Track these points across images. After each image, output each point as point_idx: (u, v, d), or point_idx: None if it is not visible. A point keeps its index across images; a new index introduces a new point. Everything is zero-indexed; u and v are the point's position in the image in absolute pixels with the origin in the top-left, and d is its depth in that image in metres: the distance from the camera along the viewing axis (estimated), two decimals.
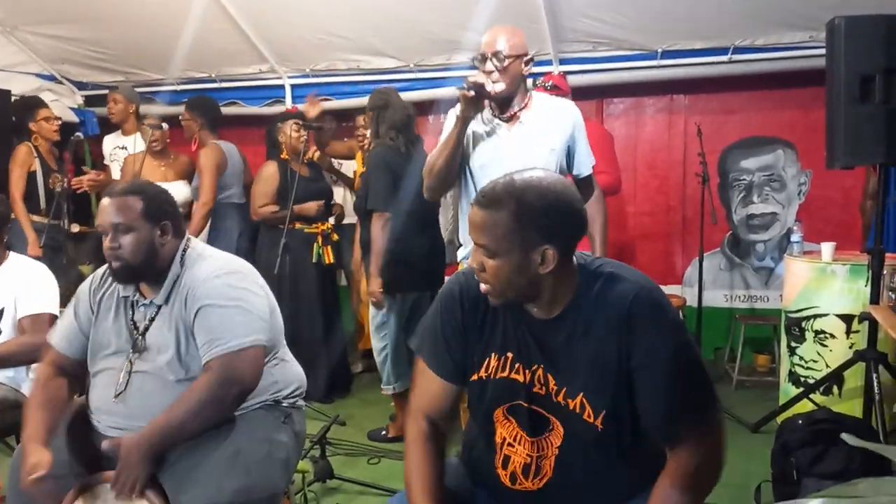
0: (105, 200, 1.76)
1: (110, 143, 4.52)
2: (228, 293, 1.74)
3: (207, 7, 4.03)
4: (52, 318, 2.36)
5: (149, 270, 1.77)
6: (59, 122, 4.29)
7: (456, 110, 2.43)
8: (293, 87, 4.72)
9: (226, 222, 3.93)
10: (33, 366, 2.24)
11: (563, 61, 4.06)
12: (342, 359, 4.06)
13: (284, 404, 1.91)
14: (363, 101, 4.39)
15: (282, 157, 3.76)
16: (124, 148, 4.37)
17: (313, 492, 2.70)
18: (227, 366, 1.68)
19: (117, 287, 1.84)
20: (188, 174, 4.11)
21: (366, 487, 2.80)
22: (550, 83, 3.38)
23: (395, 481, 2.86)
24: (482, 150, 2.41)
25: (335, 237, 3.92)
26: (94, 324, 1.84)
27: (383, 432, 3.35)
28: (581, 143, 2.50)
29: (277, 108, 4.71)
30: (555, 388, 1.31)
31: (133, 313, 1.82)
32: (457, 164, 2.41)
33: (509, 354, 1.35)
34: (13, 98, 4.48)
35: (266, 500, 1.72)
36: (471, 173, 2.45)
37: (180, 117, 4.00)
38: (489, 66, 2.30)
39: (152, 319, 1.79)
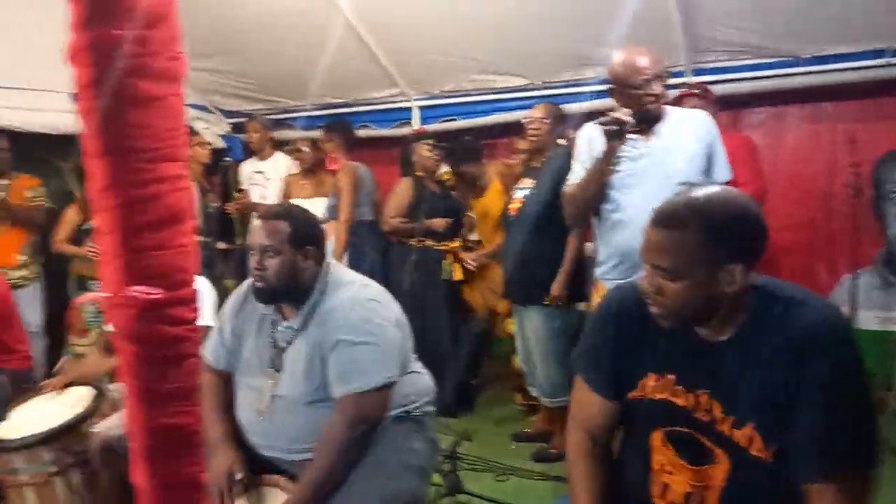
0: (257, 222, 1.89)
1: (248, 168, 4.87)
2: (364, 328, 1.79)
3: (343, 36, 4.26)
4: (207, 329, 2.57)
5: (289, 292, 1.86)
6: (210, 147, 4.68)
7: (585, 132, 2.43)
8: (421, 108, 4.86)
9: (359, 238, 4.11)
10: None
11: (697, 72, 3.92)
12: (467, 375, 4.10)
13: (416, 413, 1.96)
14: (488, 120, 4.53)
15: (416, 174, 3.89)
16: (261, 172, 4.71)
17: None
18: (358, 406, 1.74)
19: (258, 306, 1.94)
20: (328, 193, 4.34)
21: None
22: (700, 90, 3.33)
23: (524, 499, 2.84)
24: (621, 166, 2.38)
25: (463, 255, 3.97)
26: (238, 342, 1.96)
27: (551, 451, 3.31)
28: (719, 153, 2.42)
29: (405, 130, 4.90)
30: (720, 415, 1.25)
31: (274, 332, 1.91)
32: (601, 195, 2.40)
33: (670, 376, 1.30)
34: None
35: None
36: (606, 189, 2.43)
37: (319, 140, 4.23)
38: (632, 92, 2.29)
39: (289, 342, 1.88)
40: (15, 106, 4.26)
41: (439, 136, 4.15)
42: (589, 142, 2.48)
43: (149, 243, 0.76)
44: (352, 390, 1.74)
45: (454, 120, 4.69)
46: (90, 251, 4.00)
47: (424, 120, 4.85)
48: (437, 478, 2.71)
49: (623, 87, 2.32)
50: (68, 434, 2.17)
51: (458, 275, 3.88)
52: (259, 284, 1.84)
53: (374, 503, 1.67)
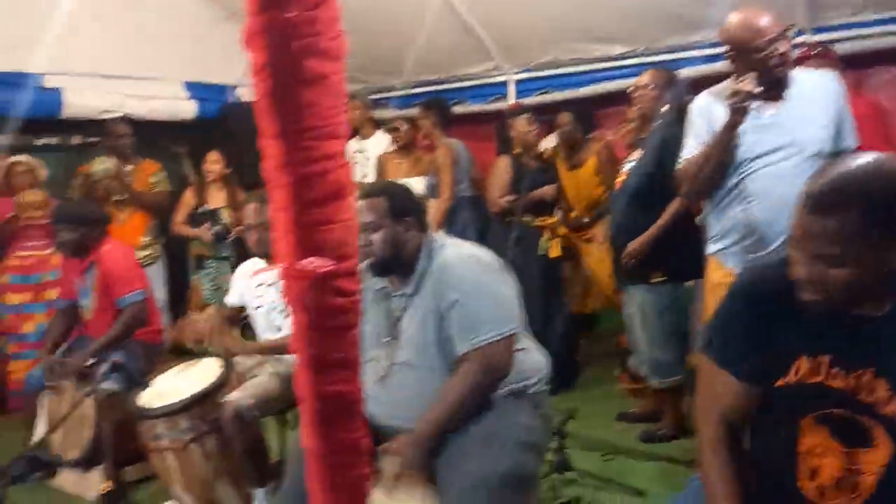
0: (361, 201, 1.93)
1: (350, 147, 4.96)
2: (479, 281, 1.83)
3: (439, 11, 4.26)
4: None
5: (398, 263, 1.92)
6: None
7: (701, 102, 2.32)
8: (517, 82, 4.80)
9: (458, 215, 4.14)
10: None
11: (817, 30, 3.65)
12: (569, 352, 4.07)
13: (531, 391, 1.96)
14: (588, 91, 4.42)
15: (513, 151, 3.85)
16: (362, 151, 4.79)
17: (551, 482, 2.74)
18: (486, 357, 1.77)
19: (373, 281, 1.99)
20: (425, 171, 4.39)
21: (604, 483, 2.76)
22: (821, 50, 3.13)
23: (633, 479, 2.80)
24: (745, 136, 2.25)
25: (562, 230, 3.92)
26: (363, 315, 2.02)
27: (659, 431, 3.23)
28: (847, 119, 2.26)
29: (500, 105, 4.86)
30: (885, 394, 1.16)
31: (389, 303, 1.97)
32: (723, 171, 2.29)
33: (824, 358, 1.22)
34: None
35: (523, 481, 1.78)
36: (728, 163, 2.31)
37: (416, 118, 4.26)
38: (754, 56, 2.16)
39: (405, 309, 1.92)
40: (134, 94, 4.54)
41: (536, 110, 4.08)
42: (705, 113, 2.35)
43: (318, 218, 0.79)
44: (476, 343, 1.78)
45: (551, 92, 4.61)
46: (206, 233, 4.25)
47: (520, 94, 4.78)
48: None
49: (743, 50, 2.18)
50: (203, 403, 2.33)
51: (555, 251, 3.83)
52: (369, 259, 1.90)
53: (489, 477, 1.68)
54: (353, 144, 4.92)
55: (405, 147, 4.33)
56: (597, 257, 3.83)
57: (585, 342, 4.38)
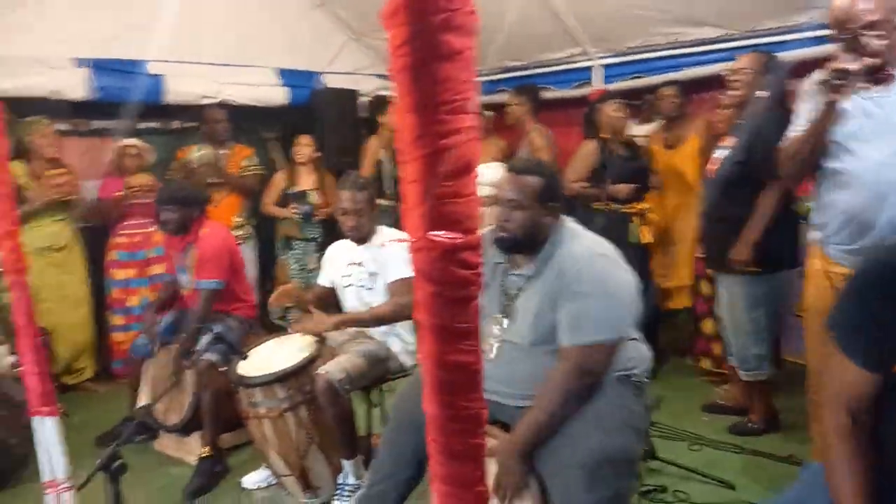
0: (507, 175, 1.93)
1: None
2: (601, 281, 1.80)
3: None
4: (412, 280, 2.70)
5: (528, 244, 1.91)
6: None
7: (810, 83, 2.23)
8: (604, 66, 4.71)
9: None
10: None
11: None
12: (652, 341, 3.98)
13: (634, 379, 1.94)
14: (678, 76, 4.28)
15: (600, 136, 3.79)
16: None
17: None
18: (584, 357, 1.77)
19: (491, 255, 2.00)
20: (500, 156, 4.38)
21: (690, 473, 2.72)
22: None
23: (721, 471, 2.74)
24: (848, 119, 2.15)
25: (653, 216, 3.83)
26: None
27: (750, 424, 3.15)
28: None
29: (584, 90, 4.79)
30: None
31: (505, 280, 1.98)
32: (821, 153, 2.20)
33: None
34: (363, 98, 5.24)
35: (624, 463, 1.77)
36: (829, 146, 2.21)
37: (506, 103, 4.24)
38: (859, 37, 2.05)
39: (520, 289, 1.93)
40: (230, 81, 4.73)
41: (623, 96, 3.99)
42: (813, 94, 2.27)
43: (447, 191, 0.81)
44: (580, 341, 1.78)
45: (641, 77, 4.50)
46: (294, 213, 4.39)
47: (608, 79, 4.68)
48: None
49: (848, 31, 2.08)
50: (298, 375, 2.43)
51: (646, 237, 3.75)
52: (502, 235, 1.91)
53: (594, 455, 1.69)
54: None
55: (484, 133, 4.34)
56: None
57: (665, 331, 4.28)
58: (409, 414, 2.03)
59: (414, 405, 2.09)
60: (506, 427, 1.90)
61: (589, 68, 4.76)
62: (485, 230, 2.12)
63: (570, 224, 1.98)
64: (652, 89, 4.24)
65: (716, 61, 3.99)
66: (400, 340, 2.76)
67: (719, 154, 3.07)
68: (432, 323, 0.86)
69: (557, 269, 1.85)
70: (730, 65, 3.14)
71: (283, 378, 2.40)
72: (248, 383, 2.43)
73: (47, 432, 2.26)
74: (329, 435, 2.46)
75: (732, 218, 2.95)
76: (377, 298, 2.71)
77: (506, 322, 1.93)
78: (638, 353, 1.98)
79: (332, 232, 4.67)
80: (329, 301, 2.88)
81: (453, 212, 0.82)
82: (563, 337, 1.81)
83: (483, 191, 4.14)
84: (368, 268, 2.74)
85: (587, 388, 1.79)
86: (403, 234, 2.87)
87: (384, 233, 2.80)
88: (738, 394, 3.33)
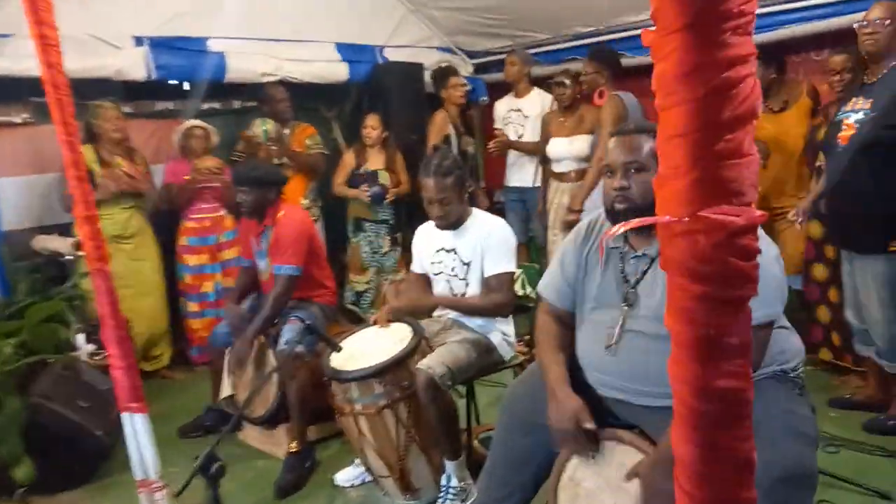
0: (616, 139, 1.68)
1: (504, 106, 4.70)
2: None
3: None
4: (513, 276, 2.49)
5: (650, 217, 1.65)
6: (466, 88, 4.64)
7: None
8: None
9: None
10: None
11: None
12: None
13: (792, 375, 1.68)
14: (773, 36, 3.89)
15: None
16: (518, 110, 4.53)
17: None
18: None
19: (605, 240, 1.76)
20: (590, 129, 4.09)
21: (835, 480, 2.39)
22: None
23: (872, 478, 2.41)
24: None
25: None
26: (583, 277, 1.80)
27: (891, 422, 2.81)
28: None
29: None
30: None
31: (624, 266, 1.73)
32: None
33: None
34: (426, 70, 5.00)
35: (803, 479, 1.48)
36: None
37: (584, 71, 3.93)
38: None
39: (644, 272, 1.69)
40: (291, 58, 4.55)
41: None
42: None
43: (728, 148, 0.57)
44: None
45: None
46: (366, 193, 4.20)
47: None
48: None
49: None
50: (397, 369, 2.23)
51: None
52: (620, 206, 1.65)
53: (767, 473, 1.41)
54: (508, 103, 4.69)
55: (569, 105, 4.03)
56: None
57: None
58: (521, 416, 1.83)
59: (527, 405, 1.88)
60: (632, 426, 1.68)
61: None
62: (590, 217, 1.88)
63: None
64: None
65: (816, 19, 3.62)
66: (499, 332, 2.54)
67: (853, 119, 2.72)
68: (693, 335, 0.62)
69: None
70: (860, 15, 2.77)
71: (380, 372, 2.21)
72: (344, 378, 2.25)
73: (138, 429, 2.14)
74: (430, 434, 2.27)
75: (878, 192, 2.60)
76: (471, 291, 2.50)
77: (628, 310, 1.69)
78: (790, 345, 1.71)
79: (404, 213, 4.49)
80: (424, 290, 2.68)
81: (735, 178, 0.58)
82: None
83: (567, 165, 3.83)
84: (462, 256, 2.52)
85: None
86: (500, 221, 2.65)
87: (479, 217, 2.56)
88: (872, 387, 2.99)
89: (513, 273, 2.47)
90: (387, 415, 2.24)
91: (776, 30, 3.83)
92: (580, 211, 3.68)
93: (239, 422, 2.99)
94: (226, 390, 2.99)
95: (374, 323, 2.52)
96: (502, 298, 2.42)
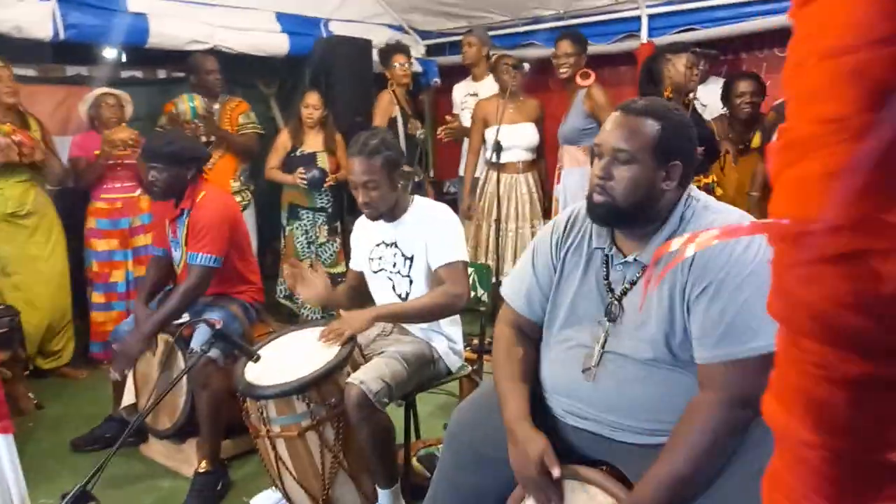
0: (616, 115, 1.39)
1: (461, 90, 4.44)
2: (758, 272, 1.25)
3: None
4: (465, 265, 2.19)
5: (639, 217, 1.38)
6: (409, 69, 4.30)
7: None
8: (650, 17, 4.14)
9: None
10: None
11: None
12: None
13: None
14: (745, 27, 3.74)
15: (665, 94, 3.24)
16: (475, 95, 4.25)
17: None
18: (736, 378, 1.24)
19: (587, 238, 1.50)
20: (536, 117, 3.84)
21: None
22: None
23: None
24: None
25: (720, 191, 3.32)
26: (558, 281, 1.52)
27: None
28: None
29: (629, 44, 4.24)
30: None
31: (608, 272, 1.46)
32: None
33: None
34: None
35: None
36: None
37: (563, 52, 3.60)
38: None
39: (633, 282, 1.42)
40: (224, 25, 4.12)
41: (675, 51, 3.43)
42: None
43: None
44: (731, 356, 1.25)
45: (694, 29, 3.95)
46: (301, 178, 3.84)
47: (653, 32, 4.15)
48: None
49: None
50: (323, 384, 1.90)
51: None
52: (599, 198, 1.37)
53: None
54: (465, 87, 4.40)
55: (514, 91, 3.73)
56: None
57: None
58: (470, 449, 1.54)
59: (477, 436, 1.48)
60: (610, 469, 1.42)
61: (636, 19, 4.20)
62: (571, 209, 1.60)
63: (701, 196, 1.44)
64: (705, 45, 3.69)
65: (782, 12, 3.48)
66: (444, 338, 2.24)
67: None
68: (836, 448, 0.34)
69: (693, 254, 1.30)
70: None
71: (303, 388, 1.87)
72: (259, 395, 1.91)
73: (1, 453, 1.77)
74: (361, 458, 1.96)
75: None
76: (416, 289, 2.19)
77: (611, 327, 1.42)
78: None
79: (346, 201, 4.14)
80: (363, 290, 2.36)
81: None
82: (700, 351, 1.29)
83: (515, 155, 3.56)
84: (404, 249, 2.21)
85: (742, 423, 1.27)
86: (443, 207, 2.36)
87: (420, 205, 2.26)
88: None
89: (465, 262, 2.16)
90: (310, 437, 1.90)
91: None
92: None
93: (141, 433, 2.61)
94: (128, 398, 2.60)
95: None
96: (459, 289, 2.11)
